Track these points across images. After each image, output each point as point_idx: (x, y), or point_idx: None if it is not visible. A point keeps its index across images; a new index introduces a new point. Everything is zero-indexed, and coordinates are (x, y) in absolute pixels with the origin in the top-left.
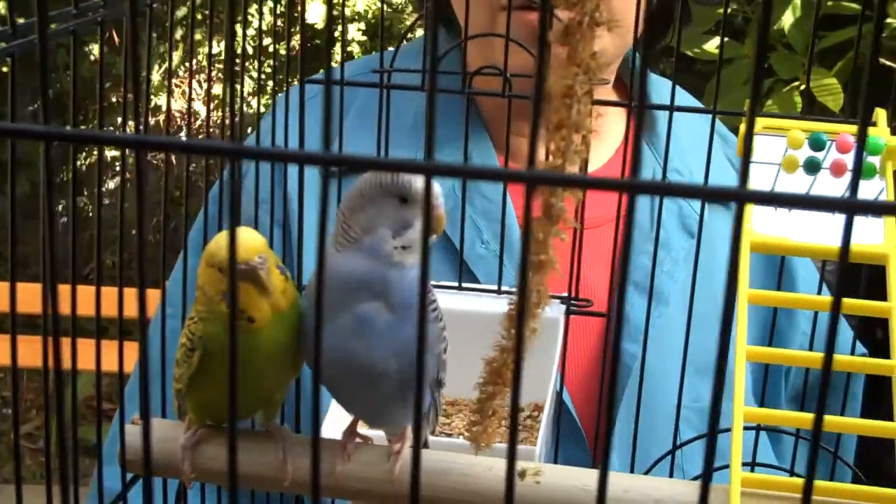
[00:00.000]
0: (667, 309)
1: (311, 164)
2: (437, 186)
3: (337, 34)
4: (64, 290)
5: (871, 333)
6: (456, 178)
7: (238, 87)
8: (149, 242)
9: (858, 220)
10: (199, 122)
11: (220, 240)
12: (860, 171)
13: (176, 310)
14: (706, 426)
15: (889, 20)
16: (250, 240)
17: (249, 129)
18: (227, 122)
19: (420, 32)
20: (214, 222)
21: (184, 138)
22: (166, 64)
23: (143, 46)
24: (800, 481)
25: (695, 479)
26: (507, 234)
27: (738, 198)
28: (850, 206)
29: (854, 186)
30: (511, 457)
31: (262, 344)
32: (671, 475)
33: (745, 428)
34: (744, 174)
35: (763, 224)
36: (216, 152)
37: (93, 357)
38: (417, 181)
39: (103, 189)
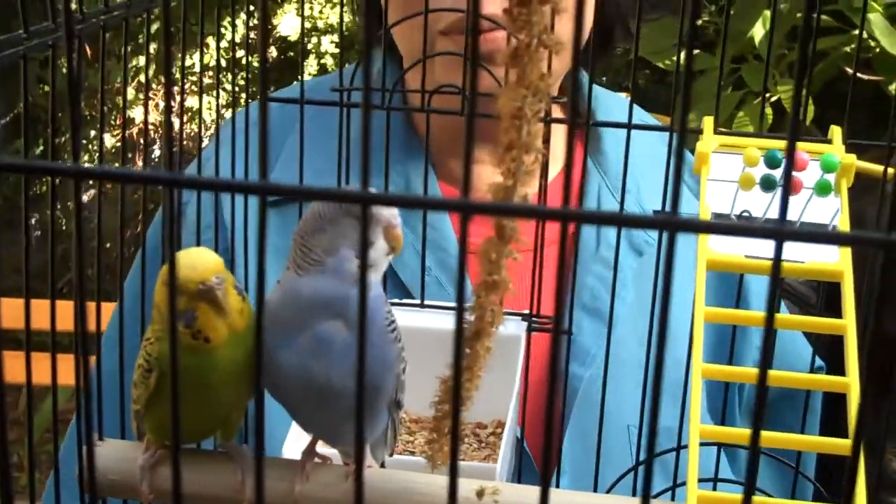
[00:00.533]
0: (615, 330)
1: (248, 194)
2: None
3: (310, 46)
4: (40, 304)
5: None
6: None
7: (212, 98)
8: (127, 255)
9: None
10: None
11: (178, 259)
12: (788, 195)
13: (114, 345)
14: (662, 445)
15: (857, 33)
16: (208, 260)
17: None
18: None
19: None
20: (156, 255)
21: (157, 151)
22: (141, 76)
23: (119, 60)
24: (758, 499)
25: (655, 495)
26: (448, 260)
27: (670, 227)
28: (779, 234)
29: (783, 211)
30: (453, 476)
31: (219, 364)
32: (633, 494)
33: (704, 444)
34: (674, 202)
35: (720, 242)
36: (155, 182)
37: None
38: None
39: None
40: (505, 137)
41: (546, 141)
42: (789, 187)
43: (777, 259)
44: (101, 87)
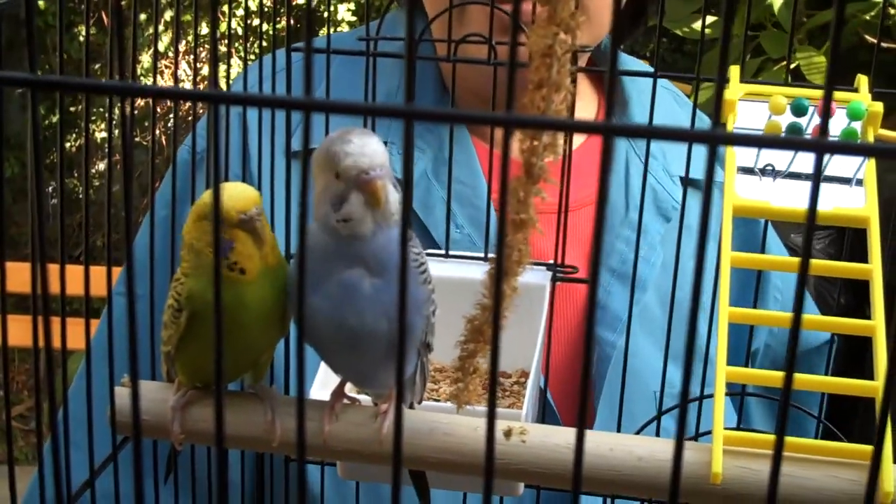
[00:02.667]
0: (643, 295)
1: (292, 109)
2: (376, 157)
3: (326, 14)
4: (52, 269)
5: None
6: (428, 163)
7: (225, 66)
8: (137, 223)
9: (841, 187)
10: (187, 105)
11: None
12: (828, 112)
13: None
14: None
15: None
16: (247, 190)
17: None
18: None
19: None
20: (166, 224)
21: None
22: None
23: (130, 27)
24: (790, 439)
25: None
26: (480, 217)
27: (711, 140)
28: (821, 146)
29: (823, 127)
30: (491, 413)
31: (251, 299)
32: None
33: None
34: (717, 117)
35: (746, 190)
36: (198, 98)
37: (83, 337)
38: (347, 157)
39: (93, 171)
40: (535, 76)
41: (574, 81)
42: (830, 103)
43: (817, 173)
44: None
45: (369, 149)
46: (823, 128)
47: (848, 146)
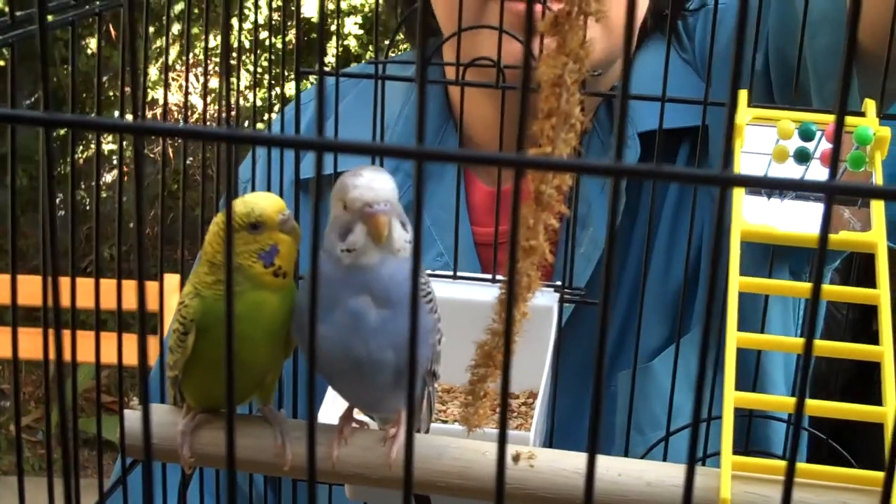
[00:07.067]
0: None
1: (305, 150)
2: (382, 192)
3: (332, 28)
4: (63, 282)
5: (867, 327)
6: (410, 188)
7: (234, 79)
8: (147, 235)
9: (847, 210)
10: (195, 116)
11: (246, 201)
12: (839, 152)
13: None
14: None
15: None
16: (273, 195)
17: (246, 123)
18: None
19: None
20: None
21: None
22: (163, 58)
23: (140, 40)
24: (801, 465)
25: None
26: (463, 246)
27: (721, 182)
28: (830, 189)
29: (833, 169)
30: (502, 438)
31: (269, 309)
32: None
33: (737, 415)
34: (725, 158)
35: (753, 214)
36: (213, 138)
37: (91, 349)
38: (354, 190)
39: (101, 182)
40: (545, 105)
41: (583, 109)
42: (840, 141)
43: (827, 215)
44: (143, 54)
45: (377, 184)
46: (833, 171)
47: (859, 189)
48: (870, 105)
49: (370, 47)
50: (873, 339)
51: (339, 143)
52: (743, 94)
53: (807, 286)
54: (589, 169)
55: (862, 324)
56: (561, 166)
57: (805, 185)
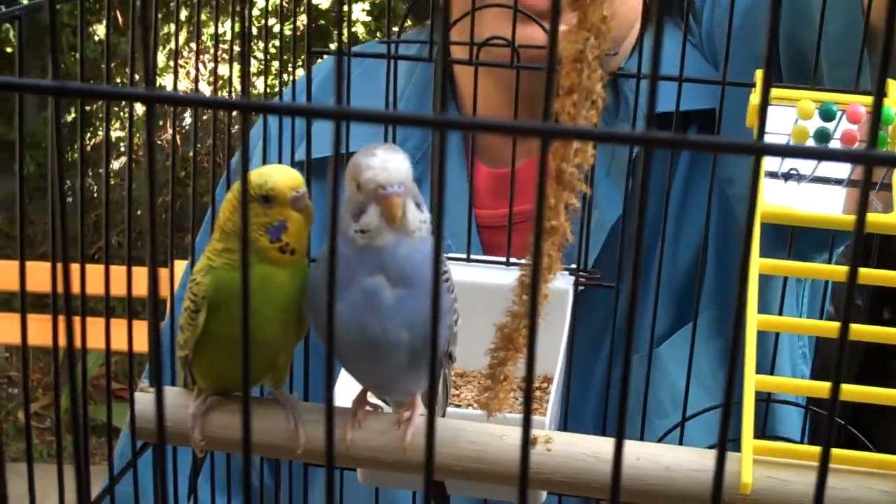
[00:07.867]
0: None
1: (322, 118)
2: (396, 173)
3: (341, 14)
4: (72, 269)
5: (878, 315)
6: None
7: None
8: (160, 221)
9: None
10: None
11: (262, 172)
12: (878, 125)
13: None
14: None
15: None
16: (291, 170)
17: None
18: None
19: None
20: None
21: (188, 117)
22: (171, 44)
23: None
24: (812, 449)
25: (710, 447)
26: (455, 227)
27: (755, 151)
28: (867, 158)
29: (872, 139)
30: (526, 422)
31: (280, 285)
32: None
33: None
34: (761, 129)
35: (773, 196)
36: (227, 107)
37: (100, 336)
38: (368, 171)
39: (109, 169)
40: (566, 81)
41: (604, 86)
42: (881, 108)
43: (866, 183)
44: (153, 40)
45: (391, 164)
46: (872, 140)
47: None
48: (893, 85)
49: (377, 34)
50: (886, 325)
51: (357, 110)
52: (760, 73)
53: (831, 268)
54: (619, 138)
55: (872, 311)
56: (589, 135)
57: (844, 154)
